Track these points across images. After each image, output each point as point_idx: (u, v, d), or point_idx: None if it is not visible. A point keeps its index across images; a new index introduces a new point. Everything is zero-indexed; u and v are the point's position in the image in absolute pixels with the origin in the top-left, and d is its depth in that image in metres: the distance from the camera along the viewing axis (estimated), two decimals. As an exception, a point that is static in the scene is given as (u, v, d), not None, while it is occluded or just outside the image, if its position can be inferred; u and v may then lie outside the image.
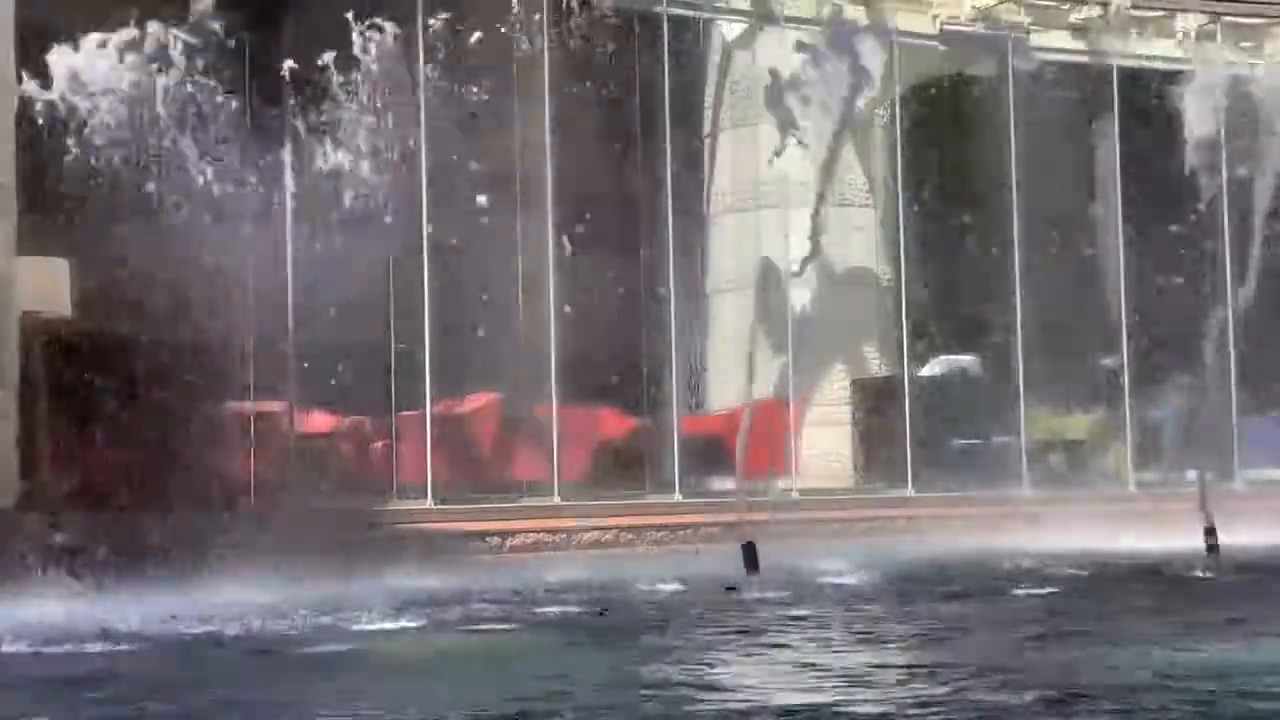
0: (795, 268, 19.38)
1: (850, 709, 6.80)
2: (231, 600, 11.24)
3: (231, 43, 15.10)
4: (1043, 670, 7.86)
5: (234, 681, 8.12)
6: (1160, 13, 21.95)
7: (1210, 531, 15.47)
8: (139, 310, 14.33)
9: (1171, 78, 21.41)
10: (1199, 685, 7.15)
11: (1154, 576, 13.57)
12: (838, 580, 13.07)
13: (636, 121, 19.06)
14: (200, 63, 14.46)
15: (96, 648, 9.16)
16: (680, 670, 8.06)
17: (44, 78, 13.84)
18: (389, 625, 10.14)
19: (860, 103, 19.23)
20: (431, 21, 16.87)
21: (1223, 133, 21.13)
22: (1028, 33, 21.03)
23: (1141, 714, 6.51)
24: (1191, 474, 18.19)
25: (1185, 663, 8.00)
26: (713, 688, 7.58)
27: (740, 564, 13.47)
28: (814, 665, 8.21)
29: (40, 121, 13.81)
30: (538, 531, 15.79)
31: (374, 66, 15.66)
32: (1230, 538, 15.45)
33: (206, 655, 9.19)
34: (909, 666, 8.25)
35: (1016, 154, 20.13)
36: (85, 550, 12.18)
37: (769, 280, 20.40)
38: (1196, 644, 8.74)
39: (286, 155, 15.76)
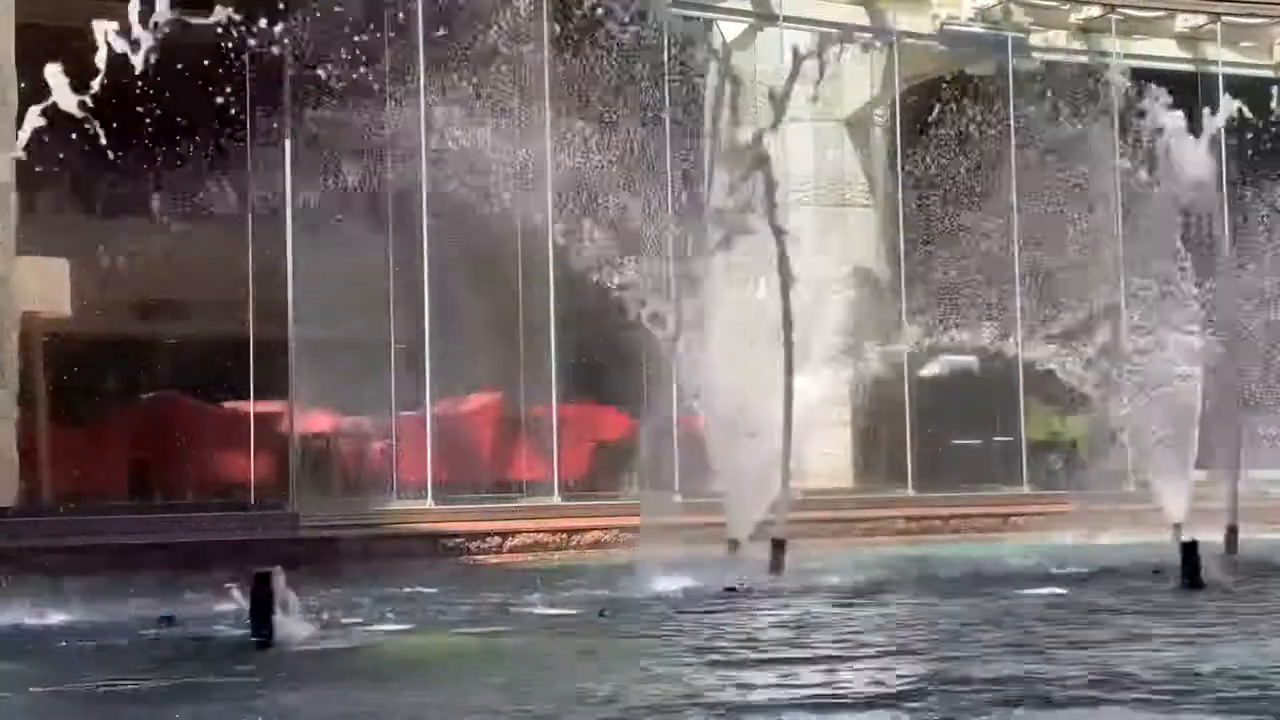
0: (795, 268, 19.33)
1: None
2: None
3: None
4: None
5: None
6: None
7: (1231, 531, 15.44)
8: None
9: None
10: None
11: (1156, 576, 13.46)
12: (836, 581, 13.03)
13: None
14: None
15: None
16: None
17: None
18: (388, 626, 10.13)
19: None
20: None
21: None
22: (1027, 33, 21.05)
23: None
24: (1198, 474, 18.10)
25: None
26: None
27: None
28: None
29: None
30: (538, 532, 15.79)
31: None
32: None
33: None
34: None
35: (1016, 153, 20.14)
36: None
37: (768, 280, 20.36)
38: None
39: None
